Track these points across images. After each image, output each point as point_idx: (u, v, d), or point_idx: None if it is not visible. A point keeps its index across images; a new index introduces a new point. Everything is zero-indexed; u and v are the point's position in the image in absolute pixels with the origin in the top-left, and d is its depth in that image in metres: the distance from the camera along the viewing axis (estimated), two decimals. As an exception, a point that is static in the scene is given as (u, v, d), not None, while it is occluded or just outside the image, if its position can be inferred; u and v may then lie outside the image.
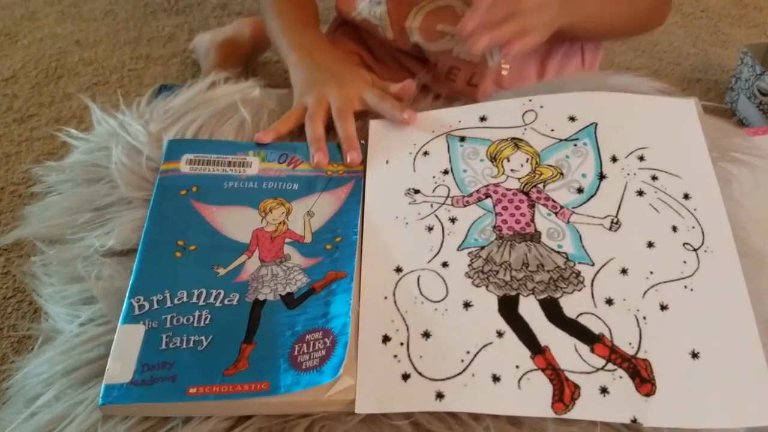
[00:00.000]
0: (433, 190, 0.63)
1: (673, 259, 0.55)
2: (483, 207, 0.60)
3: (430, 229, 0.60)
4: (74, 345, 0.58)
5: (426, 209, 0.61)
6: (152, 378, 0.52)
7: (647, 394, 0.49)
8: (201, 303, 0.56)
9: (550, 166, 0.62)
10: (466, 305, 0.54)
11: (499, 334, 0.52)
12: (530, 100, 0.68)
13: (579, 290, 0.54)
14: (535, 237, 0.58)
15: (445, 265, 0.57)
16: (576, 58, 0.87)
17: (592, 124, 0.64)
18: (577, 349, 0.51)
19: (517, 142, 0.64)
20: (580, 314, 0.53)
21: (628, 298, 0.53)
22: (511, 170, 0.63)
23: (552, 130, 0.65)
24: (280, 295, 0.57)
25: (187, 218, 0.62)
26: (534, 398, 0.49)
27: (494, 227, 0.59)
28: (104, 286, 0.59)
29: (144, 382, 0.51)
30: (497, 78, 0.81)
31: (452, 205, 0.61)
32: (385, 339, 0.53)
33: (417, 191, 0.63)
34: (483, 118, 0.68)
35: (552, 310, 0.53)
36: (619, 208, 0.59)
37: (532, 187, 0.61)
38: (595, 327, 0.52)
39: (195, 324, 0.55)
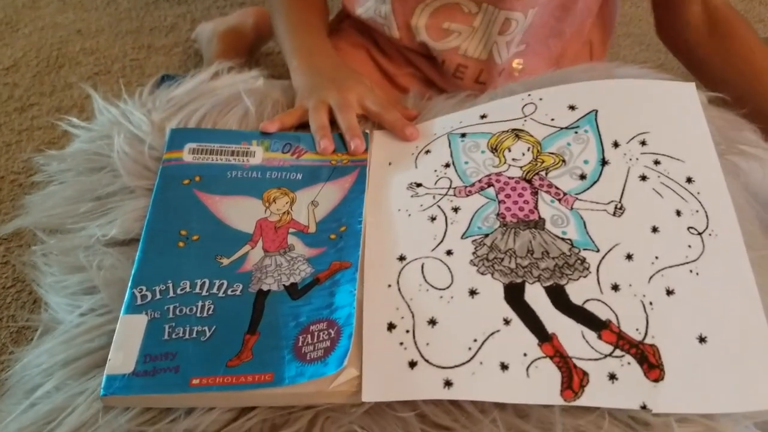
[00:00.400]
0: (435, 183, 0.60)
1: (678, 244, 0.52)
2: (486, 196, 0.57)
3: (433, 219, 0.57)
4: (75, 335, 0.54)
5: (428, 200, 0.58)
6: (154, 369, 0.48)
7: (656, 380, 0.46)
8: (204, 293, 0.53)
9: (552, 153, 0.59)
10: (472, 293, 0.51)
11: (506, 322, 0.49)
12: (529, 95, 0.65)
13: (585, 277, 0.51)
14: (539, 224, 0.55)
15: (449, 253, 0.54)
16: (586, 52, 0.84)
17: (592, 111, 0.61)
18: (585, 335, 0.48)
19: (517, 133, 0.61)
20: (587, 301, 0.50)
21: (634, 283, 0.50)
22: (513, 159, 0.60)
23: (552, 120, 0.62)
24: (283, 285, 0.54)
25: (190, 208, 0.59)
26: (543, 386, 0.46)
27: (498, 215, 0.56)
28: (106, 276, 0.56)
29: (146, 373, 0.48)
30: (506, 77, 0.78)
31: (455, 195, 0.58)
32: (391, 326, 0.50)
33: (419, 185, 0.60)
34: (483, 116, 0.65)
35: (558, 297, 0.50)
36: (622, 193, 0.55)
37: (534, 175, 0.58)
38: (602, 313, 0.49)
39: (198, 314, 0.52)
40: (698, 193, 0.55)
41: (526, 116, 0.63)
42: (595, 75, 0.64)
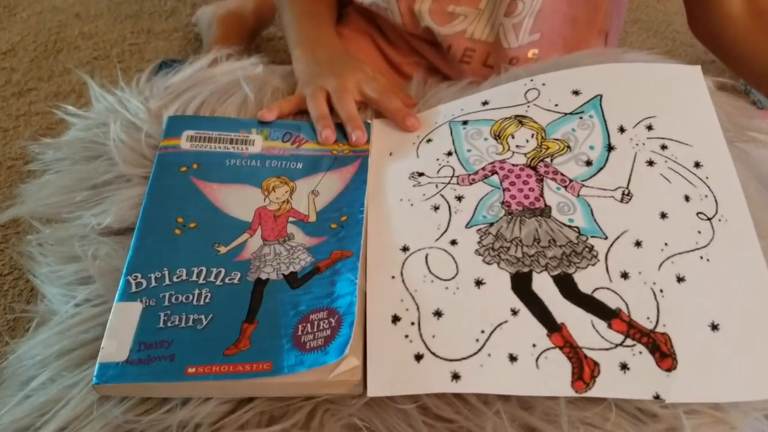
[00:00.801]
0: (438, 172, 0.57)
1: (688, 230, 0.49)
2: (490, 183, 0.54)
3: (436, 208, 0.54)
4: (70, 326, 0.51)
5: (431, 190, 0.55)
6: (149, 357, 0.45)
7: (668, 369, 0.43)
8: (201, 281, 0.50)
9: (557, 140, 0.56)
10: (478, 283, 0.48)
11: (514, 312, 0.46)
12: (532, 80, 0.62)
13: (593, 265, 0.48)
14: (545, 212, 0.52)
15: (453, 243, 0.51)
16: (600, 42, 0.80)
17: (597, 96, 0.58)
18: (595, 325, 0.45)
19: (521, 119, 0.58)
20: (596, 289, 0.47)
21: (644, 271, 0.47)
22: (517, 146, 0.57)
23: (556, 105, 0.59)
24: (283, 274, 0.51)
25: (188, 195, 0.55)
26: (553, 378, 0.43)
27: (503, 203, 0.53)
28: (101, 266, 0.53)
29: (141, 361, 0.45)
30: (515, 63, 0.75)
31: (458, 183, 0.55)
32: (395, 319, 0.47)
33: (421, 174, 0.57)
34: (485, 103, 0.62)
35: (566, 286, 0.47)
36: (629, 179, 0.52)
37: (539, 162, 0.55)
38: (612, 302, 0.46)
39: (194, 302, 0.49)
40: (707, 177, 0.52)
41: (529, 102, 0.59)
42: (601, 61, 0.61)
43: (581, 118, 0.57)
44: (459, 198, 0.54)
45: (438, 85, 0.69)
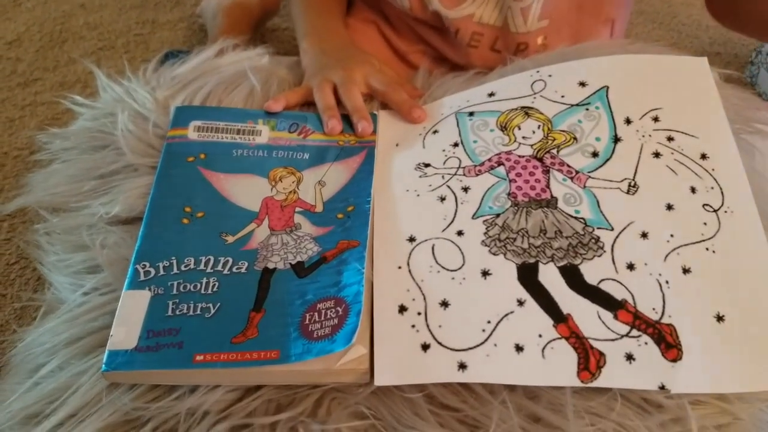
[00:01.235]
0: (444, 163, 0.56)
1: (694, 221, 0.49)
2: (496, 175, 0.54)
3: (443, 199, 0.53)
4: (78, 314, 0.52)
5: (437, 180, 0.55)
6: (158, 344, 0.46)
7: (674, 360, 0.43)
8: (209, 270, 0.50)
9: (563, 131, 0.56)
10: (485, 274, 0.48)
11: (520, 303, 0.46)
12: (538, 72, 0.62)
13: (599, 256, 0.48)
14: (551, 203, 0.51)
15: (460, 233, 0.51)
16: (607, 30, 0.80)
17: (603, 87, 0.58)
18: (600, 316, 0.45)
19: (527, 110, 0.58)
20: (602, 280, 0.47)
21: (650, 262, 0.47)
22: (523, 137, 0.57)
23: (562, 97, 0.58)
24: (290, 263, 0.51)
25: (195, 185, 0.55)
26: (559, 368, 0.43)
27: (509, 194, 0.53)
28: (109, 255, 0.53)
29: (149, 348, 0.45)
30: (527, 54, 0.74)
31: (464, 174, 0.55)
32: (402, 309, 0.47)
33: (427, 165, 0.57)
34: (491, 94, 0.61)
35: (573, 277, 0.47)
36: (635, 170, 0.52)
37: (545, 153, 0.55)
38: (618, 293, 0.46)
39: (202, 291, 0.49)
40: (713, 169, 0.52)
41: (535, 93, 0.59)
42: (607, 52, 0.60)
43: (587, 109, 0.57)
44: (465, 189, 0.54)
45: (444, 76, 0.69)
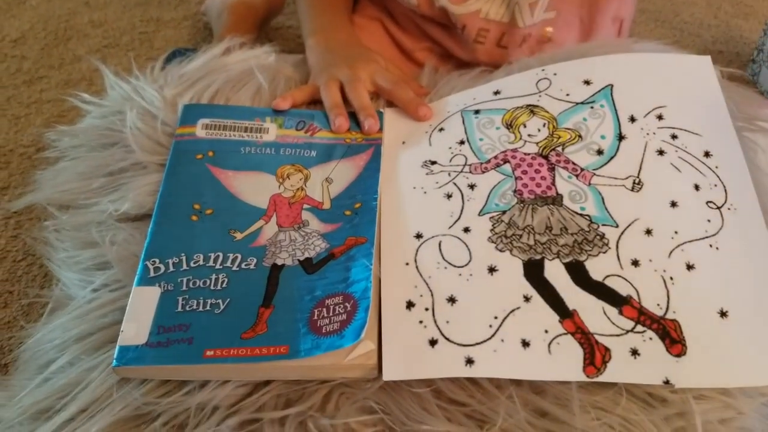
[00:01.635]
0: (450, 160, 0.57)
1: (697, 218, 0.50)
2: (502, 172, 0.55)
3: (449, 196, 0.54)
4: (88, 311, 0.52)
5: (444, 178, 0.56)
6: (168, 340, 0.46)
7: (678, 355, 0.44)
8: (218, 266, 0.51)
9: (568, 129, 0.57)
10: (491, 270, 0.48)
11: (526, 299, 0.47)
12: (543, 70, 0.62)
13: (604, 252, 0.48)
14: (557, 200, 0.52)
15: (466, 230, 0.51)
16: (615, 28, 0.80)
17: (607, 86, 0.58)
18: (606, 311, 0.46)
19: (532, 108, 0.59)
20: (607, 277, 0.47)
21: (654, 258, 0.48)
22: (529, 135, 0.57)
23: (567, 95, 0.59)
24: (298, 260, 0.51)
25: (204, 182, 0.56)
26: (565, 363, 0.44)
27: (515, 191, 0.53)
28: (119, 251, 0.54)
29: (160, 344, 0.46)
30: (534, 44, 0.74)
31: (470, 172, 0.55)
32: (409, 305, 0.48)
33: (434, 162, 0.57)
34: (497, 92, 0.62)
35: (578, 274, 0.48)
36: (640, 168, 0.53)
37: (550, 151, 0.55)
38: (623, 289, 0.47)
39: (212, 287, 0.49)
40: (716, 167, 0.53)
41: (540, 92, 0.60)
42: (611, 51, 0.61)
43: (592, 107, 0.57)
44: (471, 186, 0.54)
45: (450, 74, 0.69)
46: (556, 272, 0.48)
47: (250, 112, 0.62)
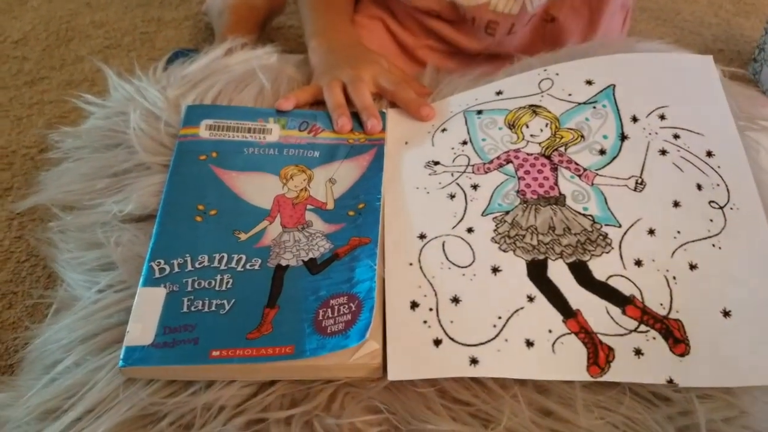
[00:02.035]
0: (453, 160, 0.57)
1: (700, 218, 0.50)
2: (505, 172, 0.55)
3: (452, 196, 0.54)
4: (93, 311, 0.52)
5: (447, 178, 0.56)
6: (174, 340, 0.46)
7: (681, 355, 0.44)
8: (222, 267, 0.51)
9: (570, 129, 0.57)
10: (495, 270, 0.49)
11: (530, 299, 0.47)
12: (545, 70, 0.62)
13: (607, 252, 0.49)
14: (559, 200, 0.52)
15: (470, 230, 0.51)
16: (621, 18, 0.80)
17: (609, 86, 0.59)
18: (609, 311, 0.46)
19: (535, 109, 0.59)
20: (610, 276, 0.48)
21: (657, 258, 0.48)
22: (531, 135, 0.57)
23: (569, 95, 0.59)
24: (302, 260, 0.51)
25: (207, 183, 0.56)
26: (569, 362, 0.44)
27: (518, 192, 0.53)
28: (123, 252, 0.54)
29: (165, 344, 0.46)
30: (535, 22, 0.74)
31: (473, 172, 0.56)
32: (414, 305, 0.48)
33: (437, 163, 0.58)
34: (499, 93, 0.62)
35: (581, 274, 0.48)
36: (642, 168, 0.53)
37: (553, 151, 0.56)
38: (626, 289, 0.47)
39: (217, 288, 0.50)
40: (718, 167, 0.53)
41: (542, 92, 0.60)
42: (614, 50, 0.61)
43: (594, 107, 0.58)
44: (475, 186, 0.54)
45: (451, 75, 0.69)
46: (559, 272, 0.48)
47: (253, 112, 0.63)
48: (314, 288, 0.50)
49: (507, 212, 0.52)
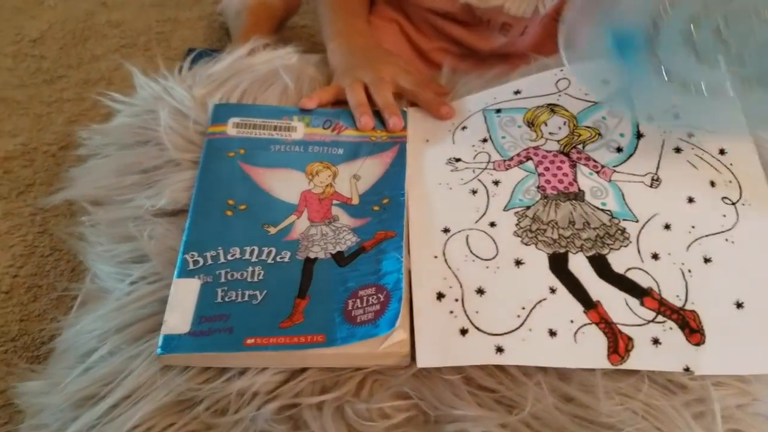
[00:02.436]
0: (474, 157, 0.60)
1: (713, 214, 0.53)
2: (525, 169, 0.57)
3: (474, 192, 0.56)
4: (126, 303, 0.54)
5: (468, 174, 0.58)
6: (210, 329, 0.49)
7: (697, 344, 0.46)
8: (254, 259, 0.53)
9: (588, 127, 0.59)
10: (518, 263, 0.51)
11: (552, 291, 0.49)
12: (561, 70, 0.65)
13: (625, 246, 0.51)
14: (579, 196, 0.55)
15: (492, 224, 0.54)
16: None
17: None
18: (628, 303, 0.48)
19: (553, 107, 0.61)
20: (628, 269, 0.50)
21: (673, 252, 0.51)
22: (550, 133, 0.60)
23: (586, 94, 0.62)
24: (330, 253, 0.54)
25: (236, 179, 0.59)
26: (590, 351, 0.46)
27: (538, 187, 0.56)
28: (156, 245, 0.56)
29: (202, 333, 0.48)
30: (551, 28, 0.76)
31: (494, 168, 0.58)
32: (440, 296, 0.50)
33: (458, 159, 0.60)
34: (517, 92, 0.64)
35: (601, 266, 0.50)
36: (658, 165, 0.56)
37: (571, 148, 0.58)
38: (643, 281, 0.49)
39: (249, 279, 0.52)
40: (731, 164, 0.55)
41: (560, 91, 0.62)
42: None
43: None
44: (496, 182, 0.57)
45: (468, 75, 0.72)
46: (579, 265, 0.50)
47: (278, 111, 0.65)
48: (343, 279, 0.52)
49: (528, 207, 0.54)
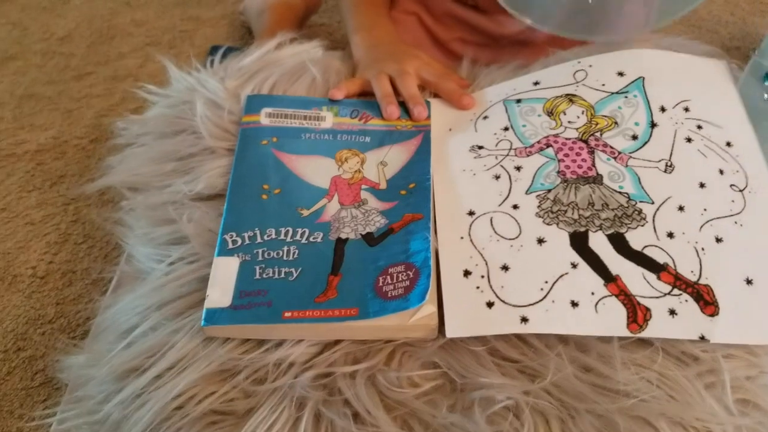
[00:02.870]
0: (496, 145, 0.63)
1: (723, 198, 0.56)
2: (545, 155, 0.61)
3: (497, 177, 0.60)
4: (165, 282, 0.58)
5: (491, 161, 0.61)
6: (250, 303, 0.52)
7: (711, 315, 0.50)
8: (288, 240, 0.56)
9: (605, 116, 0.62)
10: (540, 241, 0.54)
11: (573, 266, 0.52)
12: (579, 62, 0.68)
13: (642, 225, 0.54)
14: (597, 179, 0.58)
15: (515, 207, 0.57)
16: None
17: (639, 78, 0.64)
18: (645, 277, 0.51)
19: (571, 97, 0.65)
20: (645, 246, 0.53)
21: (687, 231, 0.54)
22: (569, 122, 0.63)
23: (603, 85, 0.65)
24: (360, 234, 0.57)
25: (270, 165, 0.62)
26: (610, 320, 0.49)
27: (558, 172, 0.59)
28: (195, 227, 0.60)
29: (242, 306, 0.52)
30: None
31: (516, 155, 0.61)
32: (466, 273, 0.53)
33: (480, 147, 0.63)
34: (536, 83, 0.68)
35: (619, 244, 0.53)
36: (671, 152, 0.59)
37: (590, 136, 0.61)
38: (660, 258, 0.52)
39: (285, 258, 0.55)
40: (737, 156, 0.59)
41: (577, 82, 0.66)
42: (641, 45, 0.67)
43: (626, 97, 0.63)
44: (518, 168, 0.60)
45: (488, 67, 0.75)
46: (599, 242, 0.53)
47: (308, 101, 0.68)
48: (373, 258, 0.55)
49: (549, 190, 0.57)
